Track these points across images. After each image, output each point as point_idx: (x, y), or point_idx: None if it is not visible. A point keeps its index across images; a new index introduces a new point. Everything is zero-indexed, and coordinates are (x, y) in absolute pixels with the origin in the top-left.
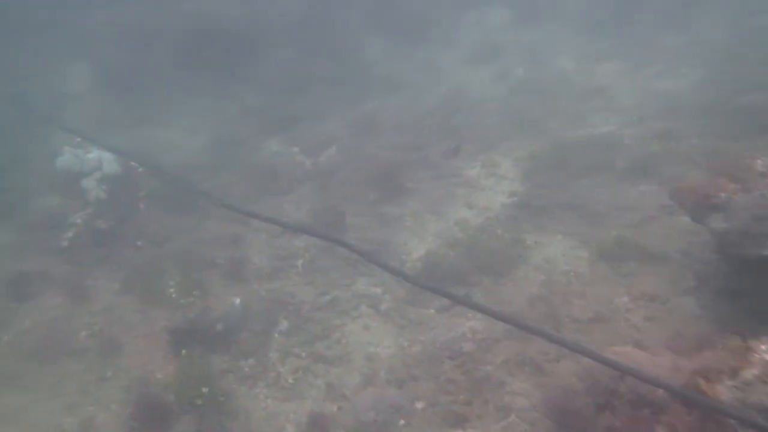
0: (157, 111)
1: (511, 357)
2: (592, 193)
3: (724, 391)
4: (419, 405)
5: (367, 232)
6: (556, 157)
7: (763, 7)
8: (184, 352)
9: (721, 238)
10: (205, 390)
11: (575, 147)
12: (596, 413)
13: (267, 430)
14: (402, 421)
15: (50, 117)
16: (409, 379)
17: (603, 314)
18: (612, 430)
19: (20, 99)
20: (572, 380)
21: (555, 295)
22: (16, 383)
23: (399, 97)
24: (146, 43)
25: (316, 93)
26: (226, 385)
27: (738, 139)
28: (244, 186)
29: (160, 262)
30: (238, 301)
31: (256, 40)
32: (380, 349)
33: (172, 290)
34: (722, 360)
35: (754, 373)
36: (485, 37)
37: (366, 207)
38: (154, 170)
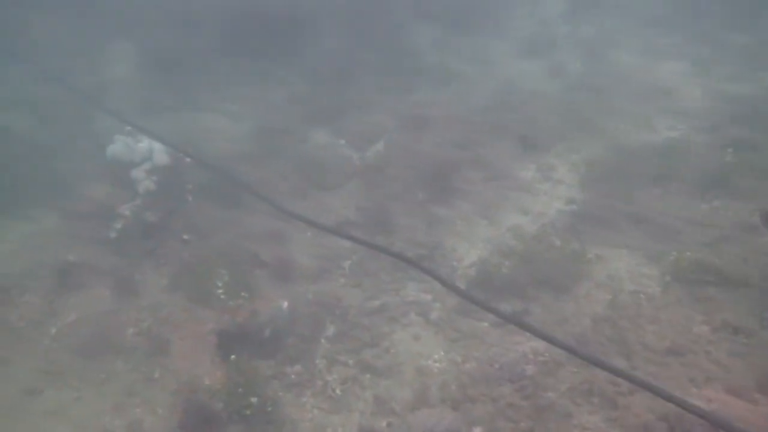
0: (202, 95)
1: (577, 385)
2: (658, 206)
3: None
4: (477, 430)
5: (416, 233)
6: (618, 162)
7: None
8: (233, 357)
9: None
10: (254, 400)
11: (638, 152)
12: None
13: None
14: None
15: (93, 98)
16: (466, 399)
17: (681, 345)
18: None
19: (63, 79)
20: (650, 418)
21: (623, 319)
22: (62, 379)
23: (448, 89)
24: (192, 26)
25: (362, 82)
26: (272, 392)
27: None
28: (291, 180)
29: (208, 258)
30: (285, 304)
31: (303, 25)
32: (431, 362)
33: (220, 291)
34: None
35: None
36: (540, 29)
37: (415, 207)
38: (200, 162)
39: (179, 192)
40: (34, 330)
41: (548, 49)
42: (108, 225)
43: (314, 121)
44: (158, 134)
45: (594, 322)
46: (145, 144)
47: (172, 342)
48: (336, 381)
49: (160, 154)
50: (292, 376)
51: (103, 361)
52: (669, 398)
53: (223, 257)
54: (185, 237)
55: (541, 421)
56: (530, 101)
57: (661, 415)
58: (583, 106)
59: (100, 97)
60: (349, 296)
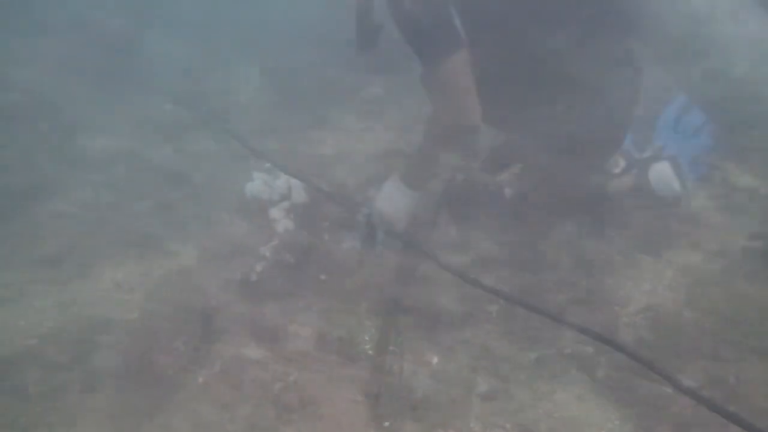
0: (328, 112)
1: None
2: None
3: None
4: None
5: (569, 272)
6: None
7: None
8: (387, 424)
9: None
10: None
11: None
12: None
13: None
14: None
15: (216, 120)
16: None
17: None
18: None
19: (184, 100)
20: None
21: None
22: None
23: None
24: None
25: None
26: None
27: None
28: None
29: (350, 303)
30: (435, 360)
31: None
32: None
33: (368, 347)
34: None
35: None
36: (691, 28)
37: (564, 240)
38: (333, 197)
39: (315, 229)
40: (182, 379)
41: (703, 51)
42: (248, 266)
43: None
44: (292, 168)
45: None
46: (282, 181)
47: (321, 401)
48: None
49: (299, 191)
50: None
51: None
52: None
53: (364, 301)
54: (322, 277)
55: None
56: None
57: None
58: (749, 120)
59: (225, 119)
60: (500, 347)
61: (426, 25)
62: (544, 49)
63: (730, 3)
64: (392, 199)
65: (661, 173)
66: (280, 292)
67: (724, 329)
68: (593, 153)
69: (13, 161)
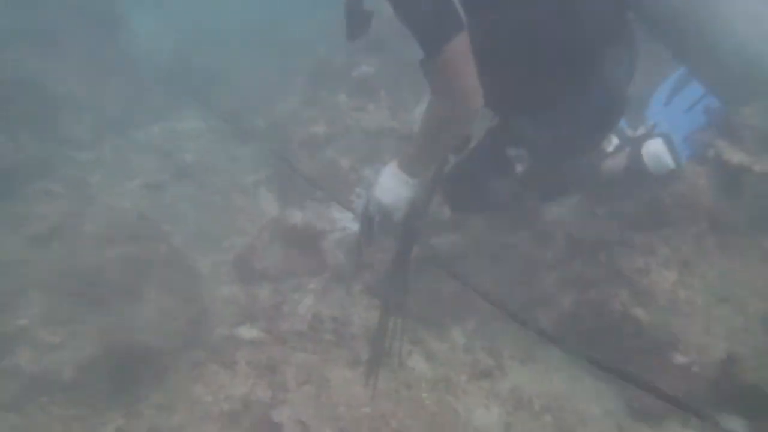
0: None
1: None
2: None
3: None
4: None
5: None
6: None
7: None
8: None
9: None
10: None
11: None
12: None
13: None
14: None
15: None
16: None
17: None
18: None
19: (233, 117)
20: None
21: None
22: None
23: None
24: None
25: None
26: None
27: None
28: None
29: (400, 345)
30: (496, 410)
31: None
32: None
33: (425, 395)
34: None
35: None
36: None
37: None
38: (383, 229)
39: (367, 259)
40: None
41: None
42: (295, 299)
43: None
44: (345, 199)
45: None
46: (333, 210)
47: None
48: None
49: (350, 222)
50: None
51: None
52: None
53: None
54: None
55: None
56: None
57: None
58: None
59: (270, 137)
60: (568, 397)
61: (426, 7)
62: (543, 30)
63: None
64: (391, 188)
65: (655, 151)
66: (328, 332)
67: None
68: (588, 132)
69: None
